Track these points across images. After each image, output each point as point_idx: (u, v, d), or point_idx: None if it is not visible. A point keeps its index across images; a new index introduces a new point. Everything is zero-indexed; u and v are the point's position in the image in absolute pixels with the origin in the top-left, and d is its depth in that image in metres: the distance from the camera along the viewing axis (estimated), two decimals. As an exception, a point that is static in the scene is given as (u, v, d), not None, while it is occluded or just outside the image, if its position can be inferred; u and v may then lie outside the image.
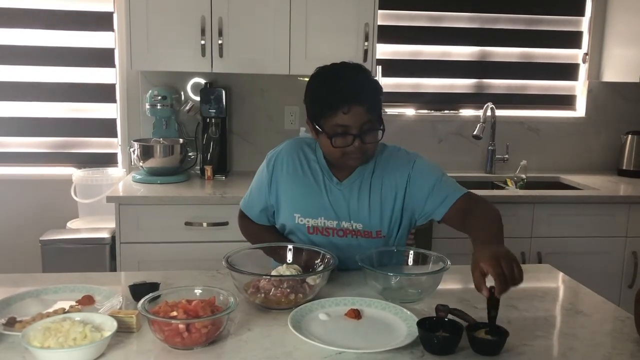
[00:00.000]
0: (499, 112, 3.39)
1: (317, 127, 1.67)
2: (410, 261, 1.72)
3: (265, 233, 1.86)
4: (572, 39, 3.51)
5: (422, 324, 1.29)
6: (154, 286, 1.48)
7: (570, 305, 1.62)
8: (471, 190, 1.74)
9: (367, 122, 1.63)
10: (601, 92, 3.53)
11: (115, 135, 3.30)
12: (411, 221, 1.82)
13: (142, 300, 1.31)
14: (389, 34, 3.33)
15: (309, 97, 1.70)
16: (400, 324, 1.38)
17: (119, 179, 3.09)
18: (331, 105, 1.61)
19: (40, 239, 2.73)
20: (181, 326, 1.22)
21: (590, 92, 3.53)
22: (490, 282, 1.30)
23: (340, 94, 1.60)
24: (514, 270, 1.31)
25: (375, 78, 1.70)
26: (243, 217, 1.94)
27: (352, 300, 1.49)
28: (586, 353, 1.29)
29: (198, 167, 3.14)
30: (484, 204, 1.70)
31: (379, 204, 1.75)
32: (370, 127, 1.64)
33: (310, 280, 1.50)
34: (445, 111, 3.48)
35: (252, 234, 1.91)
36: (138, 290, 1.46)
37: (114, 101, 3.27)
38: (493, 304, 1.30)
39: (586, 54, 3.50)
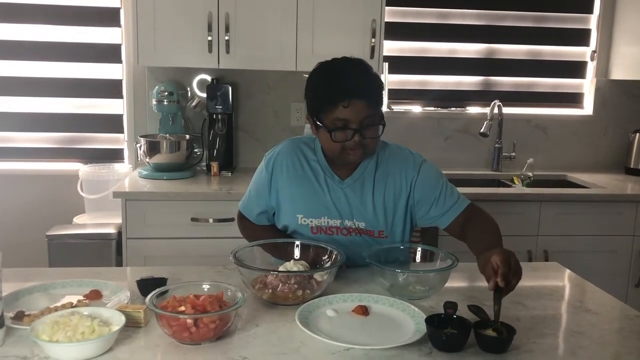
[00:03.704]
0: (506, 110, 3.38)
1: (317, 121, 1.66)
2: (418, 258, 1.72)
3: (265, 233, 1.84)
4: (580, 37, 3.50)
5: (430, 320, 1.29)
6: (161, 281, 1.48)
7: (578, 303, 1.61)
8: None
9: (368, 117, 1.62)
10: (609, 90, 3.51)
11: (122, 131, 3.31)
12: (412, 222, 1.82)
13: (150, 295, 1.31)
14: (396, 31, 3.32)
15: (309, 92, 1.69)
16: (408, 320, 1.38)
17: (125, 174, 3.10)
18: (332, 99, 1.60)
19: (47, 234, 2.73)
20: (189, 321, 1.22)
21: (598, 90, 3.51)
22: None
23: (341, 88, 1.59)
24: (519, 266, 1.40)
25: (377, 73, 1.69)
26: (242, 218, 1.93)
27: (359, 296, 1.49)
28: (595, 351, 1.29)
29: (204, 163, 3.14)
30: (484, 215, 1.76)
31: (382, 203, 1.75)
32: (371, 122, 1.63)
33: (317, 276, 1.50)
34: (452, 108, 3.47)
35: (251, 234, 1.88)
36: (146, 285, 1.46)
37: (121, 97, 3.27)
38: (496, 298, 1.33)
39: (594, 52, 3.48)
